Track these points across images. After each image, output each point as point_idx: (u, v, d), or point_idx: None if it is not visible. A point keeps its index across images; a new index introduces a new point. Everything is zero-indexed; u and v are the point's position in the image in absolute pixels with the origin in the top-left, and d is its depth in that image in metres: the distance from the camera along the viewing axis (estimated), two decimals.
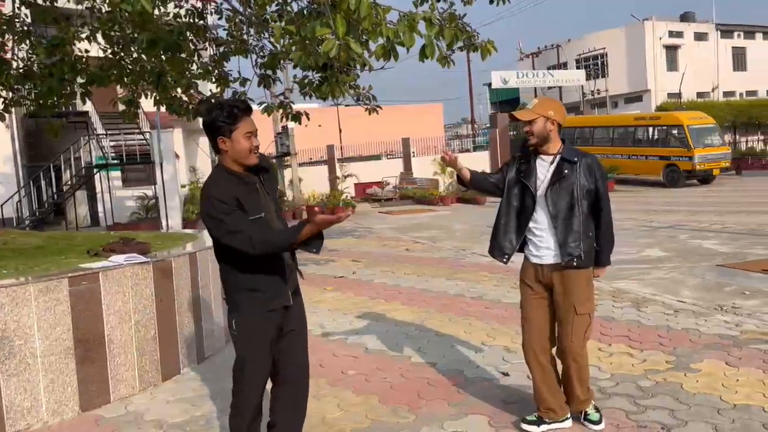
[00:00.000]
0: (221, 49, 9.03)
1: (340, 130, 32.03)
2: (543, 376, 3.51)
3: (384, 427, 3.74)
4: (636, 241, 10.96)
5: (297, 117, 9.36)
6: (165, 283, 4.68)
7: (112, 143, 18.39)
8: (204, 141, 27.10)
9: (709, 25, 40.81)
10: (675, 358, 4.65)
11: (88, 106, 18.27)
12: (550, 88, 34.24)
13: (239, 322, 2.90)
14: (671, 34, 38.74)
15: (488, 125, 51.04)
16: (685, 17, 41.12)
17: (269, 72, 9.54)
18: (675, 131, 23.23)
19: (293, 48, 8.08)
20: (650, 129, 24.66)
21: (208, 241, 5.46)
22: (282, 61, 9.02)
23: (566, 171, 3.31)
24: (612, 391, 4.10)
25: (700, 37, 40.54)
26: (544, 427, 3.51)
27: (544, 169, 3.38)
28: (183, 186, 19.49)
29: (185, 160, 21.49)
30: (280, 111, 9.23)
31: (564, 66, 40.06)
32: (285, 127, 22.73)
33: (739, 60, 42.23)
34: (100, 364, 4.24)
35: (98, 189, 18.72)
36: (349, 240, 13.72)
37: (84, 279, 4.15)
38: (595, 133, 26.98)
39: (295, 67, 9.12)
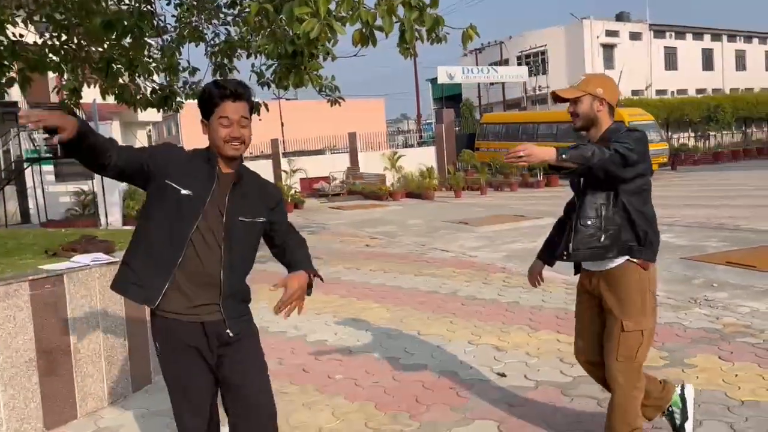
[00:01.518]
0: (170, 36, 8.54)
1: (282, 124, 31.38)
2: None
3: None
4: None
5: (256, 108, 8.98)
6: None
7: (44, 135, 17.33)
8: (142, 134, 26.12)
9: (643, 25, 42.22)
10: (668, 354, 4.60)
11: (17, 96, 17.17)
12: (493, 84, 34.61)
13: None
14: (608, 33, 39.84)
15: (429, 121, 51.33)
16: (620, 17, 42.38)
17: (225, 61, 9.10)
18: None
19: (259, 36, 7.74)
20: None
21: None
22: (239, 50, 8.61)
23: None
24: None
25: (634, 36, 41.87)
26: None
27: None
28: None
29: None
30: None
31: (506, 62, 40.59)
32: None
33: (671, 59, 43.87)
34: (65, 376, 3.82)
35: (29, 184, 17.65)
36: (305, 235, 13.37)
37: (47, 282, 3.72)
38: (540, 129, 27.42)
39: (257, 55, 8.75)
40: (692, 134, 35.08)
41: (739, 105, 36.83)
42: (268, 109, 8.84)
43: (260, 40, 6.50)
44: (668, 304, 6.03)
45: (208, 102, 2.42)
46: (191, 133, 30.97)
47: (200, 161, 2.47)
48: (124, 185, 18.82)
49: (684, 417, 3.18)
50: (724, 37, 47.26)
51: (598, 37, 38.77)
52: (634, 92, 39.94)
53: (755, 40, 49.31)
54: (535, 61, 40.51)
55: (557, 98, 2.92)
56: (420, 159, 25.89)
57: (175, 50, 8.08)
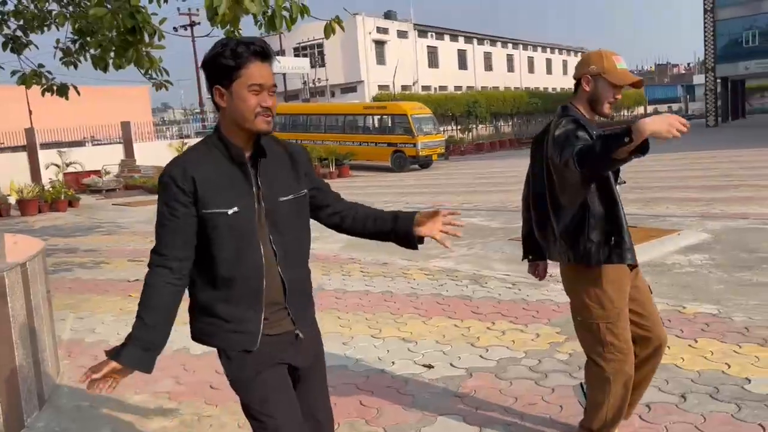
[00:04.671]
0: None
1: (31, 112, 27.43)
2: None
3: None
4: None
5: (63, 90, 7.73)
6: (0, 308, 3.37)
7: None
8: None
9: (409, 24, 45.12)
10: (560, 329, 4.89)
11: None
12: (274, 74, 34.24)
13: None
14: (379, 30, 41.85)
15: (196, 110, 49.11)
16: (388, 15, 44.76)
17: (19, 33, 7.71)
18: (400, 120, 25.20)
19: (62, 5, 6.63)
20: (378, 118, 26.36)
21: (25, 250, 4.13)
22: (47, 22, 7.31)
23: None
24: (556, 369, 4.14)
25: (402, 34, 44.57)
26: None
27: None
28: None
29: None
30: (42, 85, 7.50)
31: (282, 53, 40.43)
32: None
33: (433, 58, 47.57)
34: None
35: None
36: (99, 237, 11.94)
37: None
38: (327, 121, 27.84)
39: (58, 28, 7.50)
40: (456, 127, 38.49)
41: (491, 102, 41.31)
42: (78, 92, 7.66)
43: (94, 10, 5.54)
44: (525, 283, 6.46)
45: (230, 62, 1.92)
46: None
47: (221, 158, 2.01)
48: None
49: None
50: (475, 40, 52.59)
51: (370, 33, 40.51)
52: (404, 87, 42.57)
53: (498, 44, 55.67)
54: (312, 54, 40.99)
55: (636, 84, 2.68)
56: None
57: None
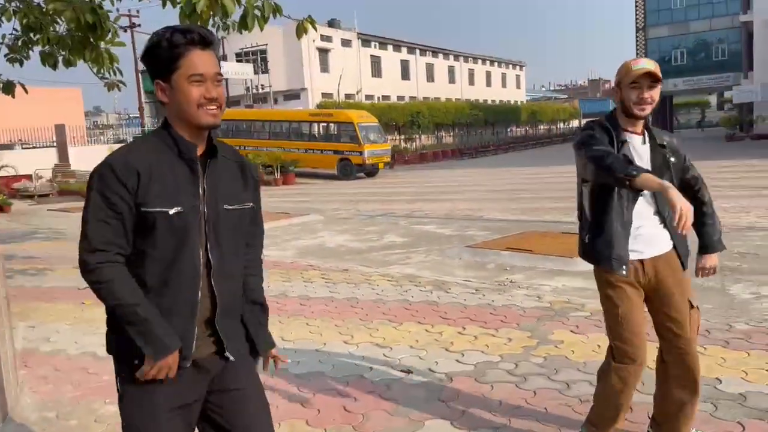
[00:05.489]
0: None
1: None
2: (630, 393, 2.89)
3: None
4: (366, 228, 11.55)
5: (8, 88, 7.37)
6: None
7: None
8: None
9: (353, 33, 45.23)
10: (530, 333, 4.98)
11: None
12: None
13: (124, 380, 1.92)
14: (323, 38, 41.75)
15: (135, 115, 47.70)
16: (332, 23, 44.74)
17: None
18: (346, 128, 25.18)
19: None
20: (324, 125, 26.26)
21: None
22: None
23: (667, 154, 2.76)
24: (534, 372, 4.19)
25: (346, 43, 44.64)
26: None
27: (640, 150, 2.75)
28: None
29: None
30: None
31: (224, 58, 39.75)
32: None
33: (376, 67, 47.81)
34: None
35: None
36: (38, 243, 11.41)
37: None
38: (271, 127, 27.54)
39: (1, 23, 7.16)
40: (399, 137, 38.76)
41: (434, 112, 41.85)
42: (26, 91, 7.31)
43: (52, 3, 5.30)
44: (487, 288, 6.55)
45: (167, 53, 1.81)
46: None
47: (168, 153, 1.86)
48: None
49: None
50: (417, 51, 53.21)
51: (314, 40, 40.35)
52: (347, 96, 42.59)
53: (440, 56, 56.51)
54: (254, 60, 40.50)
55: (653, 78, 2.61)
56: None
57: None
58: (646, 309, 2.89)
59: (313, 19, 5.67)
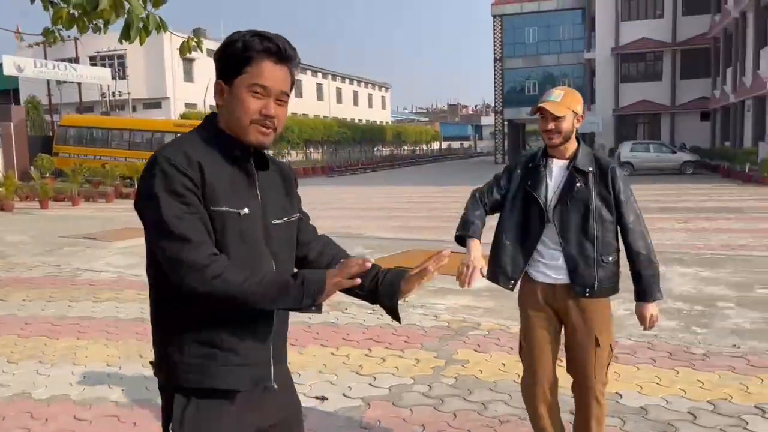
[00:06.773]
0: None
1: None
2: (552, 420, 2.91)
3: None
4: None
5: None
6: None
7: None
8: None
9: (218, 43, 43.95)
10: (436, 353, 5.00)
11: None
12: (66, 82, 31.25)
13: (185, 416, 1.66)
14: None
15: None
16: (197, 32, 43.20)
17: None
18: None
19: None
20: None
21: None
22: None
23: (578, 183, 2.76)
24: (449, 393, 4.16)
25: (211, 53, 43.17)
26: None
27: (557, 176, 2.81)
28: None
29: None
30: None
31: (77, 61, 37.05)
32: None
33: None
34: None
35: None
36: None
37: None
38: (132, 137, 25.96)
39: None
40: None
41: (303, 128, 41.71)
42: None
43: None
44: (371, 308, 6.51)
45: (238, 56, 1.65)
46: None
47: (220, 153, 1.66)
48: None
49: None
50: None
51: (178, 49, 38.75)
52: (212, 107, 41.28)
53: (309, 72, 56.55)
54: (111, 64, 38.12)
55: (541, 112, 2.70)
56: None
57: None
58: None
59: (200, 39, 5.38)
